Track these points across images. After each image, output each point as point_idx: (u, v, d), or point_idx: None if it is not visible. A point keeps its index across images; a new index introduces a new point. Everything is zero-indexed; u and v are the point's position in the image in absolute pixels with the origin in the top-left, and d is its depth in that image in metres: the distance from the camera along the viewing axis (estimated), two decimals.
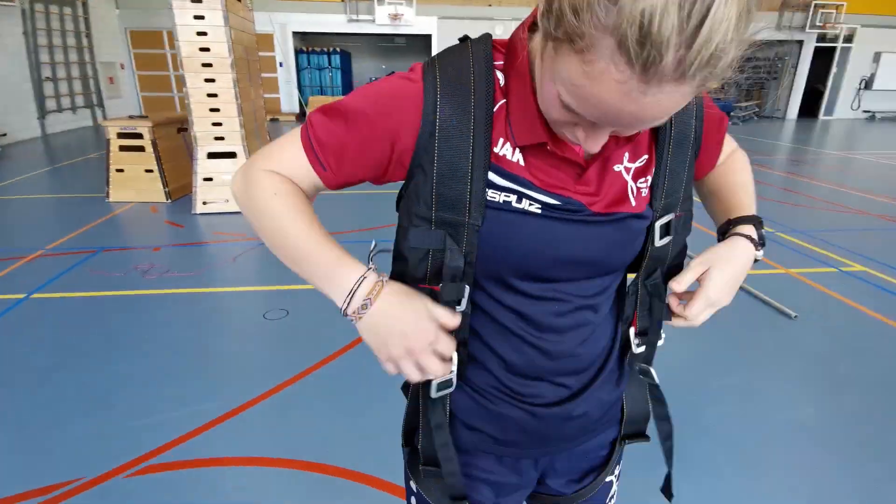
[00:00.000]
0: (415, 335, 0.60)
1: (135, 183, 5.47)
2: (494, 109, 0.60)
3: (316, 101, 13.97)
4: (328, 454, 1.95)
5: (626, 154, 0.64)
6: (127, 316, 2.99)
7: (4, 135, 9.23)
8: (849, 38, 15.33)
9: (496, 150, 0.60)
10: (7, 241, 4.28)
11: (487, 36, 0.62)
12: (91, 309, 3.08)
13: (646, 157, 0.65)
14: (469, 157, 0.59)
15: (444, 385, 0.67)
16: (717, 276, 0.67)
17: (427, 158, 0.59)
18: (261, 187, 0.64)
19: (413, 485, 0.82)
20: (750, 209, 0.74)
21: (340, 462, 1.91)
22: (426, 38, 14.71)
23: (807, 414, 2.21)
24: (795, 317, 3.01)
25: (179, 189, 5.74)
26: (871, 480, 1.86)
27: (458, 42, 0.62)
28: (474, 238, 0.61)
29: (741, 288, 3.42)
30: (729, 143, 0.80)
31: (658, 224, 0.66)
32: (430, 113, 0.58)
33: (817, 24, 14.63)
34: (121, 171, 5.43)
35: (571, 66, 0.45)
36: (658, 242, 0.67)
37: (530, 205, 0.60)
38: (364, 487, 1.80)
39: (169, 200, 5.52)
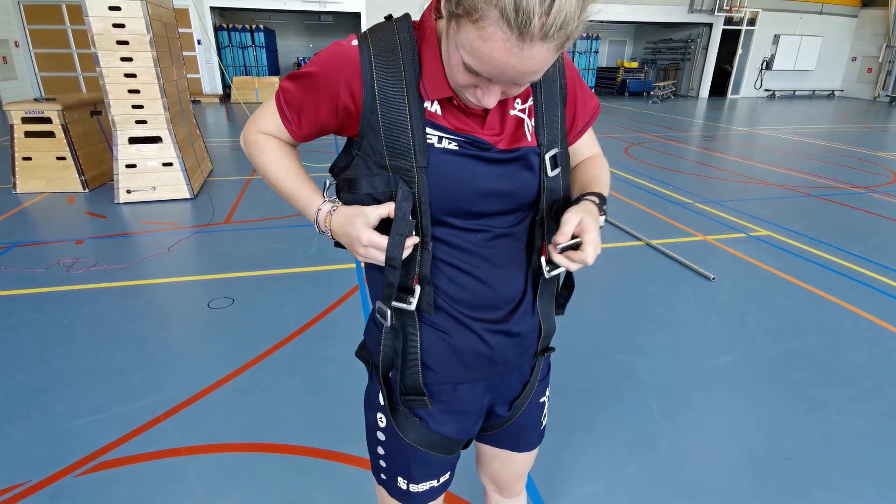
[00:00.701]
0: (357, 238, 0.76)
1: (45, 172, 5.04)
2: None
3: (240, 82, 13.27)
4: (290, 435, 1.97)
5: (518, 100, 0.80)
6: (55, 313, 2.81)
7: None
8: (752, 21, 16.55)
9: (426, 105, 0.75)
10: None
11: (407, 15, 0.76)
12: (13, 307, 2.86)
13: (531, 100, 0.81)
14: (406, 113, 0.73)
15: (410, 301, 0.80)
16: (590, 221, 0.76)
17: (374, 118, 0.74)
18: (253, 147, 0.86)
19: (382, 421, 0.92)
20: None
21: (302, 441, 1.94)
22: (355, 16, 14.31)
23: (724, 362, 2.48)
24: (713, 278, 3.33)
25: (98, 177, 5.35)
26: (777, 413, 2.14)
27: (383, 20, 0.76)
28: (424, 178, 0.74)
29: (667, 255, 3.72)
30: (596, 143, 0.98)
31: (547, 156, 0.81)
32: (369, 84, 0.73)
33: (724, 7, 15.66)
34: (28, 159, 4.98)
35: (470, 33, 0.60)
36: (551, 173, 0.81)
37: (449, 143, 0.75)
38: (329, 463, 1.85)
39: (86, 190, 5.14)
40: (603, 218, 0.83)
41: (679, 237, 4.12)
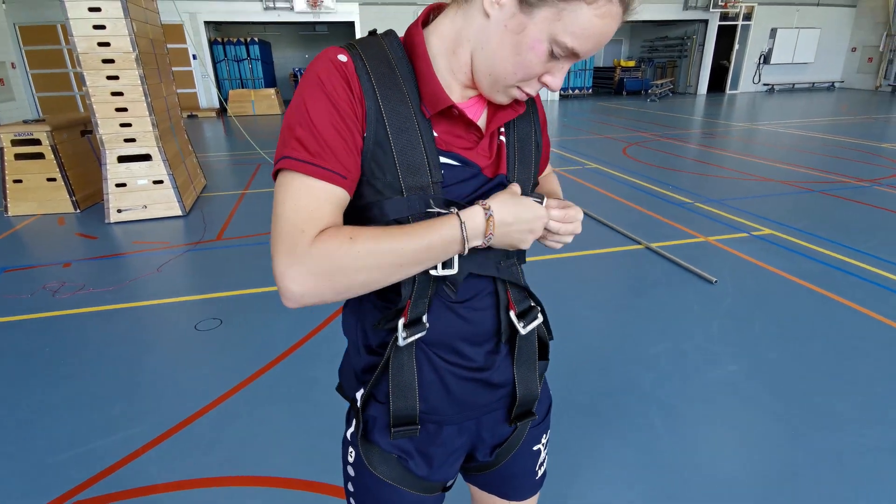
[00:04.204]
0: (533, 223, 0.70)
1: (36, 194, 5.00)
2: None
3: (237, 95, 13.28)
4: (275, 466, 1.89)
5: (502, 128, 0.78)
6: (39, 340, 2.74)
7: None
8: (748, 16, 16.44)
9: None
10: None
11: (392, 31, 0.73)
12: None
13: (506, 130, 0.78)
14: (416, 127, 0.68)
15: (416, 331, 0.73)
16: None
17: (382, 134, 0.67)
18: (331, 253, 0.61)
19: (353, 456, 0.85)
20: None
21: (288, 473, 1.86)
22: (349, 26, 14.32)
23: (729, 371, 2.38)
24: (715, 282, 3.23)
25: (89, 197, 5.31)
26: (787, 425, 2.04)
27: (368, 34, 0.72)
28: (441, 193, 0.69)
29: (667, 258, 3.62)
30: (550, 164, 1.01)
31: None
32: (371, 99, 0.66)
33: (719, 3, 15.57)
34: (19, 181, 4.94)
35: (584, 14, 0.62)
36: None
37: (447, 159, 0.71)
38: (315, 496, 1.76)
39: (78, 210, 5.10)
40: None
41: (679, 239, 4.02)
